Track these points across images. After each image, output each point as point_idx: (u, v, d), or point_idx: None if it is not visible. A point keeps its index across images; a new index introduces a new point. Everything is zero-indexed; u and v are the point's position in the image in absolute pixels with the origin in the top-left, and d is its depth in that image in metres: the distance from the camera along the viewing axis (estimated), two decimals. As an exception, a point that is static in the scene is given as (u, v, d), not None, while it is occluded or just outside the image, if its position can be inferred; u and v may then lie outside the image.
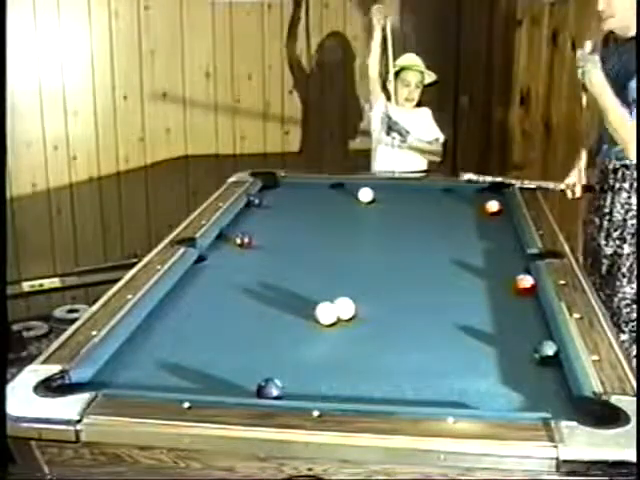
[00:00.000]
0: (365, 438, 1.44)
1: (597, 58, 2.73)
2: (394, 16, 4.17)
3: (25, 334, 3.94)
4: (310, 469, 1.46)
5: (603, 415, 1.48)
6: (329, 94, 4.68)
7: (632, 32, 2.75)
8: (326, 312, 1.99)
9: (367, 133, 4.18)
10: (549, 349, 1.77)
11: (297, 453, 1.46)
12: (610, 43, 2.97)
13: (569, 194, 3.06)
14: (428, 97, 4.09)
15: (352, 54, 4.68)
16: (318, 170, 4.09)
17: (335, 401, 1.57)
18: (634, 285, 2.84)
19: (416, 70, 3.88)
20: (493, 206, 3.00)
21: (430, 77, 3.95)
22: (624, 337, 2.81)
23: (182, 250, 2.45)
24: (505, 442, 1.41)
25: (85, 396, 1.55)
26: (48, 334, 3.95)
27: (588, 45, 2.77)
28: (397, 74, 3.91)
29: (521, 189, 3.16)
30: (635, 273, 2.83)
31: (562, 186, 3.08)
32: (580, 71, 2.74)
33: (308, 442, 1.45)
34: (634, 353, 2.80)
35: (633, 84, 2.70)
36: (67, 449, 1.51)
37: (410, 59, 3.92)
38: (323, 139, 4.71)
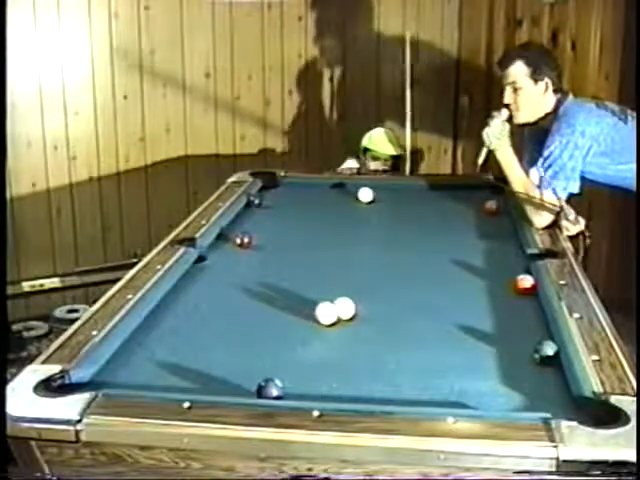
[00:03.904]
0: (365, 438, 1.44)
1: (508, 129, 2.80)
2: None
3: (25, 334, 3.93)
4: (310, 469, 1.45)
5: (603, 415, 1.48)
6: (329, 94, 4.68)
7: (538, 116, 2.83)
8: (326, 312, 1.99)
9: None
10: (549, 349, 1.77)
11: (297, 453, 1.46)
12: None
13: (565, 228, 2.74)
14: (428, 97, 4.10)
15: (352, 54, 4.68)
16: (318, 170, 4.10)
17: (335, 401, 1.57)
18: None
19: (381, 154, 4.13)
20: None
21: (396, 151, 4.18)
22: None
23: (182, 250, 2.45)
24: (505, 442, 1.41)
25: (85, 396, 1.55)
26: (48, 334, 3.94)
27: (504, 113, 2.81)
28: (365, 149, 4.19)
29: None
30: None
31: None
32: (485, 134, 2.79)
33: (308, 442, 1.45)
34: None
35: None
36: (67, 449, 1.51)
37: (377, 140, 4.16)
38: (323, 139, 4.70)
